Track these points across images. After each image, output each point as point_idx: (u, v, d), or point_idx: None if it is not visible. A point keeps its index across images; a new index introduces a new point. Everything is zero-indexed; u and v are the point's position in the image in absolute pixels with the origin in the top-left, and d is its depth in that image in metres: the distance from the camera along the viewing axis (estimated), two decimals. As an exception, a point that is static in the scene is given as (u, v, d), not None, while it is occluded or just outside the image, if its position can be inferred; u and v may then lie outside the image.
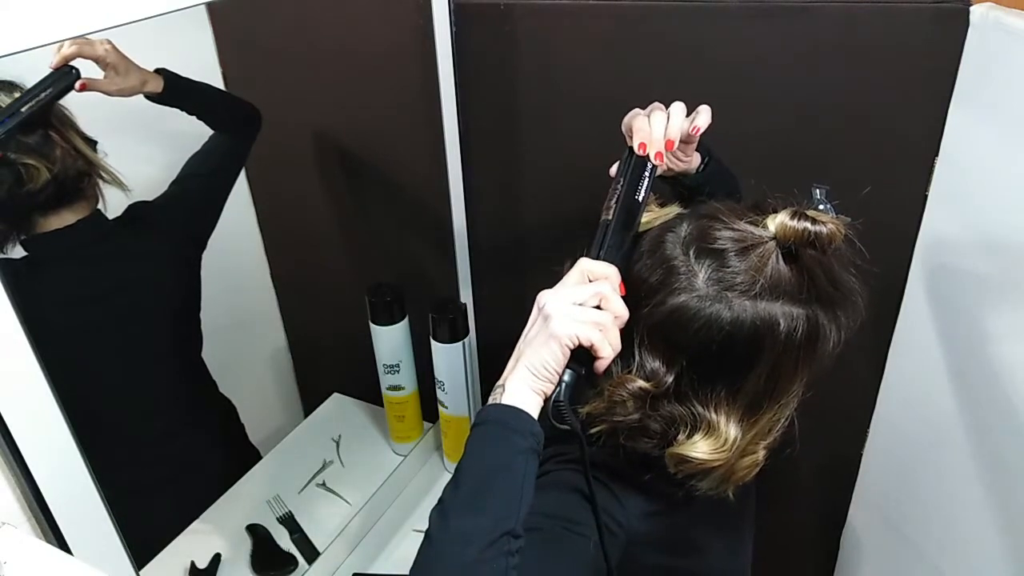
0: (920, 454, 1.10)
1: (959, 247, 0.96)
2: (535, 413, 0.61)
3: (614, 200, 0.69)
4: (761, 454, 0.68)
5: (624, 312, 0.62)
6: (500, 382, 0.62)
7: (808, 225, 0.61)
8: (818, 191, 0.69)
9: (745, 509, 0.85)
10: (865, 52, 0.95)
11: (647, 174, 0.70)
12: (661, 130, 0.70)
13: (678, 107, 0.73)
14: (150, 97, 0.99)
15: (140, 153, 1.10)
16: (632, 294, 0.65)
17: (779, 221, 0.63)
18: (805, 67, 0.98)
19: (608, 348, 0.61)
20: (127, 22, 0.66)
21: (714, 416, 0.65)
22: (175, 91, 1.02)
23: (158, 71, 1.00)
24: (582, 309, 0.61)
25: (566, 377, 0.62)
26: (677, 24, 1.02)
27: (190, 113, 1.07)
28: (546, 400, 0.61)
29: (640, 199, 0.70)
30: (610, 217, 0.68)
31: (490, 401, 0.62)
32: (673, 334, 0.64)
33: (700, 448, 0.65)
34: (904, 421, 1.13)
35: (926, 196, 0.99)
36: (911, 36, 0.92)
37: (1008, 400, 0.91)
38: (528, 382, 0.60)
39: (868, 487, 1.24)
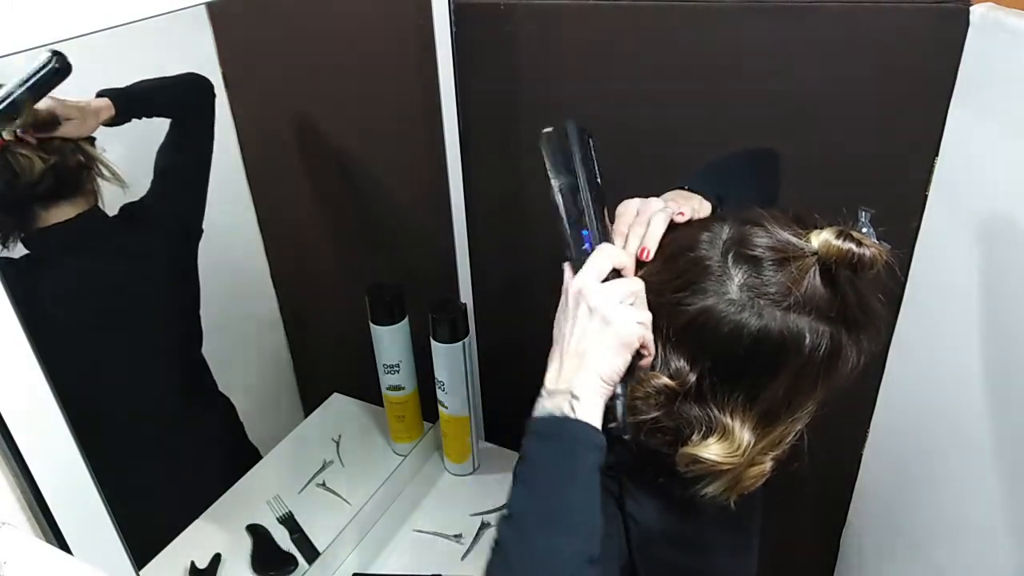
0: (920, 454, 1.10)
1: (959, 247, 0.96)
2: (600, 422, 0.60)
3: (581, 190, 0.69)
4: (768, 465, 0.68)
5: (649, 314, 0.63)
6: (565, 387, 0.60)
7: (853, 247, 0.61)
8: (864, 214, 0.69)
9: (753, 512, 0.85)
10: (865, 52, 0.95)
11: (591, 144, 0.71)
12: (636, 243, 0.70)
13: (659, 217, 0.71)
14: (108, 124, 0.99)
15: (135, 153, 1.10)
16: (662, 290, 0.66)
17: (823, 238, 0.62)
18: (805, 67, 0.98)
19: (654, 348, 0.62)
20: (127, 22, 0.66)
21: (729, 421, 0.65)
22: (126, 106, 1.01)
23: (101, 95, 0.99)
24: (633, 309, 0.61)
25: (619, 390, 0.61)
26: (677, 24, 1.02)
27: (148, 116, 1.06)
28: (606, 418, 0.61)
29: (600, 181, 0.70)
30: (583, 206, 0.68)
31: (555, 407, 0.60)
32: (700, 335, 0.64)
33: (713, 450, 0.65)
34: (904, 421, 1.13)
35: (926, 196, 0.99)
36: (911, 36, 0.92)
37: (1008, 400, 0.91)
38: (601, 392, 0.59)
39: (868, 487, 1.24)
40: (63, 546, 0.68)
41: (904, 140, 0.98)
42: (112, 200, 1.04)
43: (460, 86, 1.14)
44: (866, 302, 0.65)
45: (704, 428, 0.66)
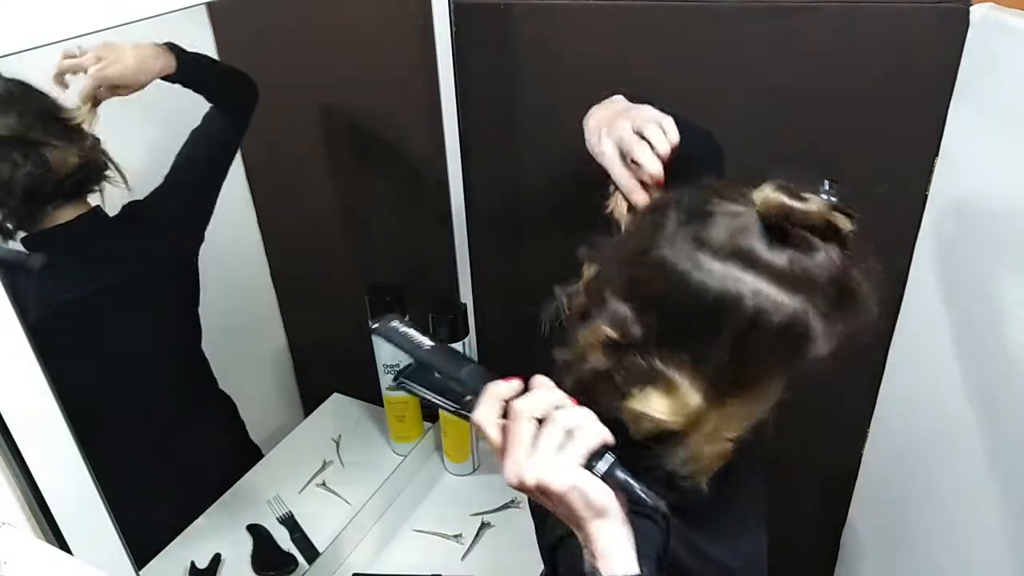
0: (920, 454, 1.10)
1: (959, 247, 0.96)
2: (632, 544, 0.58)
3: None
4: (728, 446, 0.67)
5: (575, 411, 0.59)
6: (586, 547, 0.58)
7: (785, 199, 0.60)
8: (826, 183, 0.68)
9: (758, 510, 0.85)
10: (865, 52, 0.95)
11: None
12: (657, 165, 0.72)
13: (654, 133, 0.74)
14: (165, 78, 0.98)
15: (137, 148, 1.10)
16: (621, 248, 0.67)
17: (763, 192, 0.62)
18: (805, 67, 0.98)
19: (598, 433, 0.58)
20: (127, 22, 0.66)
21: (674, 376, 0.64)
22: (188, 65, 1.00)
23: (168, 47, 0.98)
24: (549, 448, 0.57)
25: (601, 465, 0.57)
26: (677, 24, 1.02)
27: (197, 90, 1.05)
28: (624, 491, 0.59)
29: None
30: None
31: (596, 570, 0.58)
32: (647, 287, 0.64)
33: (656, 404, 0.64)
34: (904, 421, 1.13)
35: (926, 196, 0.99)
36: (911, 36, 0.92)
37: (1008, 400, 0.91)
38: (612, 525, 0.57)
39: (868, 487, 1.24)
40: (63, 546, 0.68)
41: (904, 140, 0.98)
42: (113, 200, 1.04)
43: (460, 86, 1.14)
44: (840, 278, 0.62)
45: (647, 381, 0.65)
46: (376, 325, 0.67)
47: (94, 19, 0.64)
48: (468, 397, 0.62)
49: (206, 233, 1.16)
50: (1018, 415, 0.90)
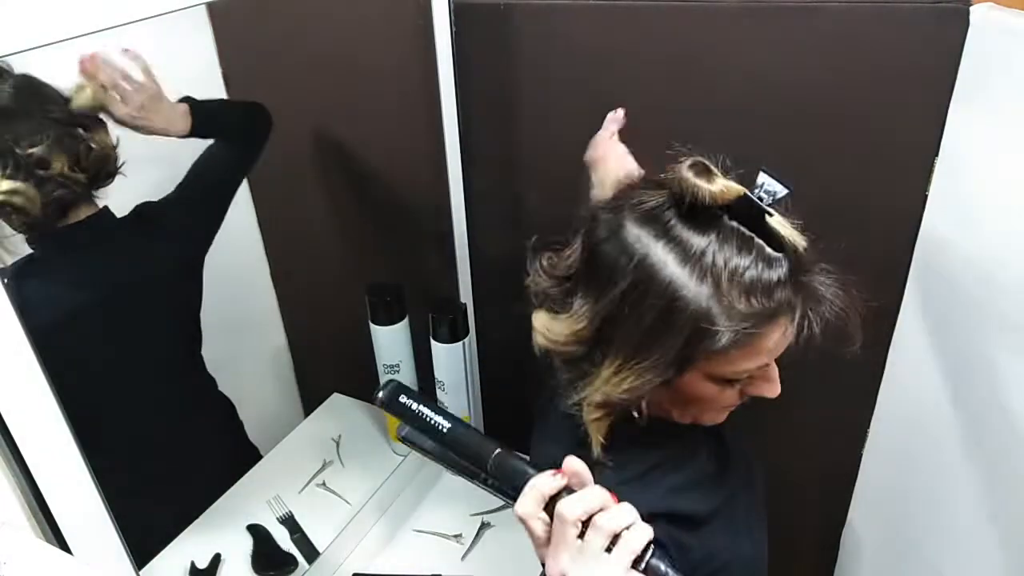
0: (920, 454, 1.10)
1: (959, 247, 0.96)
2: None
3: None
4: (596, 403, 0.68)
5: (618, 511, 0.58)
6: None
7: (684, 172, 0.62)
8: (765, 178, 0.67)
9: (757, 510, 0.85)
10: (865, 52, 0.95)
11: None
12: None
13: None
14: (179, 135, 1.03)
15: (147, 152, 1.10)
16: (600, 204, 0.72)
17: (679, 166, 0.64)
18: (805, 67, 0.98)
19: (641, 534, 0.57)
20: (127, 22, 0.66)
21: (576, 303, 0.68)
22: (197, 126, 1.05)
23: (190, 109, 1.03)
24: (595, 553, 0.56)
25: (643, 563, 0.57)
26: (677, 24, 1.02)
27: (214, 138, 1.09)
28: None
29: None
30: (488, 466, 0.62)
31: None
32: (590, 235, 0.69)
33: (540, 318, 0.71)
34: (904, 421, 1.13)
35: (926, 196, 0.99)
36: (911, 36, 0.92)
37: (1007, 399, 0.91)
38: None
39: (868, 487, 1.24)
40: (63, 546, 0.68)
41: (904, 140, 0.98)
42: (120, 201, 1.03)
43: (460, 86, 1.14)
44: (774, 287, 0.62)
45: (555, 302, 0.71)
46: (380, 395, 0.62)
47: (94, 19, 0.64)
48: (486, 477, 0.61)
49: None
50: (1019, 414, 0.90)
